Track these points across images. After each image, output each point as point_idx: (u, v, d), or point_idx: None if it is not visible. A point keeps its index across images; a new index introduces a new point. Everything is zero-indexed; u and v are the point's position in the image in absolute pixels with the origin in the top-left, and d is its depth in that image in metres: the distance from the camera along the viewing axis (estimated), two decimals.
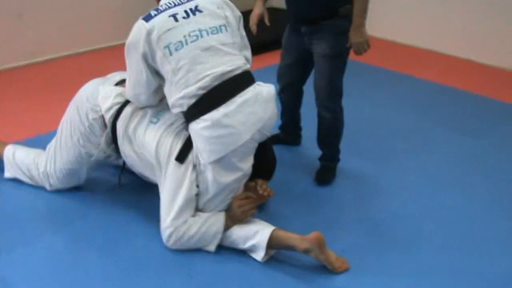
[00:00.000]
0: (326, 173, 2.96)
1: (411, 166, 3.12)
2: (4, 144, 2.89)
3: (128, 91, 2.45)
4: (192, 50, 2.26)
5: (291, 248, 2.31)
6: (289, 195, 2.77)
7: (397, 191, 2.87)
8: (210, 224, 2.35)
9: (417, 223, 2.62)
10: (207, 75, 2.26)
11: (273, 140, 3.14)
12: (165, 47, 2.25)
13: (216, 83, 2.27)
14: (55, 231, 2.50)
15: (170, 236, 2.32)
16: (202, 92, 2.26)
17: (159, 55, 2.27)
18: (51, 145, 2.70)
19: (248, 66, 2.43)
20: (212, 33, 2.32)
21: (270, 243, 2.30)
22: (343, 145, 2.96)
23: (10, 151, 2.82)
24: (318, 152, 2.98)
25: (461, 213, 2.71)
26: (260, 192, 2.46)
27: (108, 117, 2.47)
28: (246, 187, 2.47)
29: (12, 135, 3.16)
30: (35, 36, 4.36)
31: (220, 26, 2.35)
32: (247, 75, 2.39)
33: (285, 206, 2.69)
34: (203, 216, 2.35)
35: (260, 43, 3.92)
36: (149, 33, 2.25)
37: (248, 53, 2.55)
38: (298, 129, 3.28)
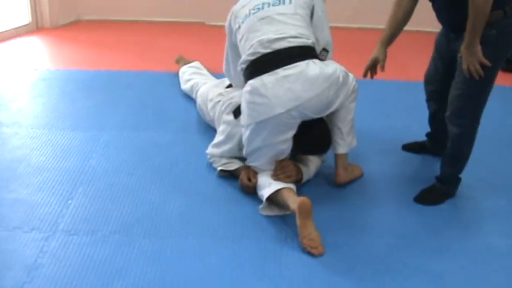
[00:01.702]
0: (430, 194, 2.64)
1: None
2: (187, 61, 3.73)
3: (224, 66, 2.90)
4: (251, 21, 2.48)
5: (287, 207, 2.36)
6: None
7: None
8: (227, 165, 2.71)
9: None
10: (255, 42, 2.42)
11: (419, 148, 3.07)
12: (237, 22, 2.55)
13: (264, 51, 2.39)
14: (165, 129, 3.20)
15: (208, 158, 2.81)
16: (251, 58, 2.43)
17: (235, 29, 2.59)
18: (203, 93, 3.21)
19: (308, 41, 2.43)
20: (273, 5, 2.46)
21: (273, 196, 2.40)
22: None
23: (184, 69, 3.65)
24: None
25: None
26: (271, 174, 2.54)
27: (212, 114, 2.97)
28: (278, 162, 2.53)
29: None
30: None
31: None
32: (301, 49, 2.39)
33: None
34: (224, 160, 2.73)
35: None
36: (232, 13, 2.64)
37: (321, 34, 2.57)
38: (447, 139, 2.92)
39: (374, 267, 2.21)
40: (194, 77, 3.54)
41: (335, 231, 2.40)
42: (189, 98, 3.55)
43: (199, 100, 3.21)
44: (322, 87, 2.37)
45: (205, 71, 3.68)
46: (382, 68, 2.68)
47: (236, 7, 2.63)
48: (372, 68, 2.70)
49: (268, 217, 2.46)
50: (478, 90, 2.40)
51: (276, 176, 2.50)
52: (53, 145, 3.00)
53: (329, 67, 2.43)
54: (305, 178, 2.64)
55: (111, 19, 5.07)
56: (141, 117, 3.32)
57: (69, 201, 2.53)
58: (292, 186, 2.46)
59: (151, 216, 2.45)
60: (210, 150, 2.77)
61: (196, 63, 3.76)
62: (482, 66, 2.29)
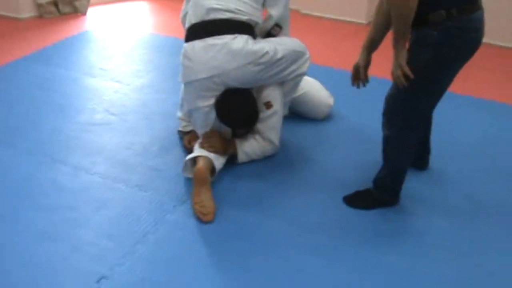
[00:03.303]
0: (360, 196, 2.52)
1: None
2: None
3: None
4: None
5: None
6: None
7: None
8: (185, 127, 2.92)
9: None
10: (199, 5, 2.54)
11: None
12: None
13: (203, 18, 2.53)
14: None
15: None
16: (193, 21, 2.57)
17: None
18: None
19: (243, 17, 2.51)
20: None
21: (194, 160, 2.57)
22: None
23: None
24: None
25: None
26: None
27: None
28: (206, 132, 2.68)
29: None
30: None
31: None
32: (233, 23, 2.51)
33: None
34: (184, 122, 2.93)
35: None
36: None
37: (274, 12, 2.63)
38: (426, 151, 2.75)
39: (250, 247, 2.25)
40: None
41: (242, 206, 2.47)
42: None
43: None
44: (243, 62, 2.49)
45: None
46: (363, 76, 2.52)
47: None
48: (357, 76, 2.54)
49: (188, 179, 2.61)
50: (408, 95, 2.22)
51: (201, 145, 2.64)
52: (80, 88, 3.52)
53: (258, 45, 2.51)
54: (241, 155, 2.73)
55: None
56: (169, 80, 3.62)
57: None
58: (212, 156, 2.57)
59: (107, 150, 2.84)
60: (178, 111, 2.98)
61: None
62: (419, 69, 2.13)
